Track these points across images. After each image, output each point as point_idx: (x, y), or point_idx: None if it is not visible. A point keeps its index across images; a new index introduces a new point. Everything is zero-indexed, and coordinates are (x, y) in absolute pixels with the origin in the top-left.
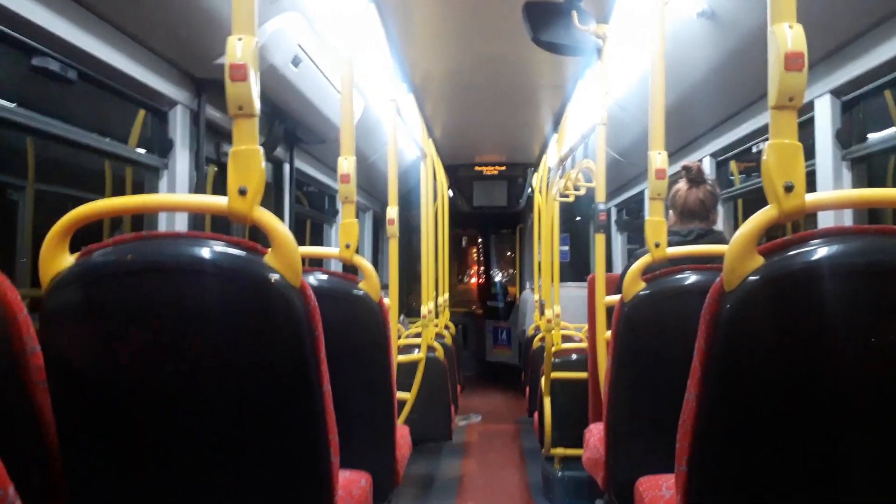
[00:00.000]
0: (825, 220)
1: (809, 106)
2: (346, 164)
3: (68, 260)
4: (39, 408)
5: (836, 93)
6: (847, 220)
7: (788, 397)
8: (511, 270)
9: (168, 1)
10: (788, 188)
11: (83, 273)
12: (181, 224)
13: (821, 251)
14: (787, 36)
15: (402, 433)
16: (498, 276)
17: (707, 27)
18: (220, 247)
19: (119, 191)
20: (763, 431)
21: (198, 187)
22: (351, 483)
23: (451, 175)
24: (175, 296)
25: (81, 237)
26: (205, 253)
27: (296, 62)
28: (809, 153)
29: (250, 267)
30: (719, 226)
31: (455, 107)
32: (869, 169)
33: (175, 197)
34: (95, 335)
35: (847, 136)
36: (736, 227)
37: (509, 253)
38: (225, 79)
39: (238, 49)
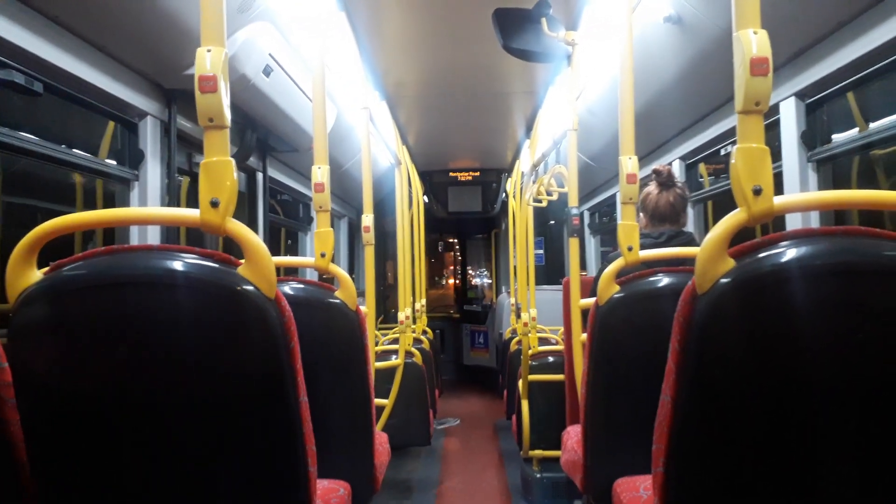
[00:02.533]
0: (793, 221)
1: (775, 109)
2: (320, 172)
3: (36, 275)
4: (8, 426)
5: (801, 95)
6: (814, 220)
7: (762, 397)
8: (487, 274)
9: (135, 12)
10: (757, 191)
11: (52, 288)
12: (154, 236)
13: (790, 253)
14: (752, 41)
15: (381, 440)
16: (475, 281)
17: (673, 32)
18: (192, 259)
19: (90, 202)
20: (738, 431)
21: (170, 198)
22: (329, 492)
23: (425, 181)
24: (147, 310)
25: (52, 251)
26: (177, 266)
27: (267, 72)
28: (776, 155)
29: (224, 279)
30: (689, 228)
31: (428, 113)
32: (834, 169)
33: (147, 210)
34: (66, 351)
35: (812, 138)
36: (706, 228)
37: (485, 257)
38: (195, 90)
39: (207, 60)
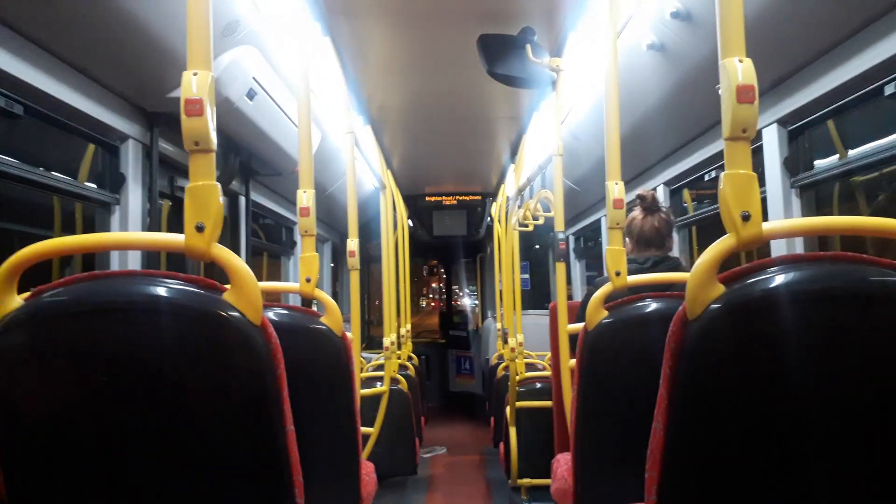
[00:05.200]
0: (776, 246)
1: (758, 135)
2: (305, 196)
3: (16, 301)
4: None
5: (783, 122)
6: (798, 244)
7: (753, 424)
8: (473, 298)
9: (118, 35)
10: (745, 217)
11: (32, 315)
12: (134, 261)
13: (778, 278)
14: (738, 69)
15: (367, 470)
16: (460, 305)
17: (657, 59)
18: (176, 285)
19: (69, 226)
20: (731, 459)
21: (151, 223)
22: None
23: (410, 205)
24: (130, 337)
25: (29, 277)
26: (161, 292)
27: (251, 95)
28: (759, 181)
29: (209, 305)
30: (675, 252)
31: (413, 138)
32: (816, 195)
33: (131, 235)
34: (46, 378)
35: (795, 164)
36: (691, 253)
37: (470, 282)
38: (181, 114)
39: (193, 84)
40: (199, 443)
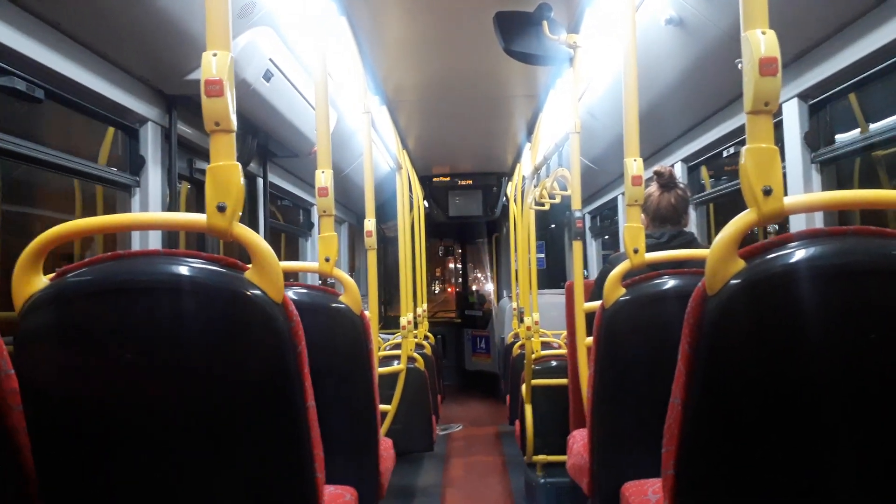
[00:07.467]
0: (796, 222)
1: (778, 110)
2: (324, 177)
3: (42, 282)
4: (14, 433)
5: (804, 97)
6: (818, 221)
7: (773, 399)
8: (489, 278)
9: (137, 18)
10: (767, 192)
11: (58, 295)
12: (155, 242)
13: (800, 253)
14: (761, 42)
15: (385, 446)
16: (476, 285)
17: (675, 34)
18: (199, 264)
19: (90, 210)
20: (749, 434)
21: (171, 204)
22: (336, 498)
23: (426, 185)
24: (153, 315)
25: (53, 261)
26: (184, 271)
27: (267, 77)
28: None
29: (231, 284)
30: (691, 229)
31: (428, 118)
32: (837, 170)
33: (153, 215)
34: (72, 357)
35: (815, 139)
36: (709, 230)
37: (486, 262)
38: (201, 95)
39: (213, 64)
40: (222, 419)
